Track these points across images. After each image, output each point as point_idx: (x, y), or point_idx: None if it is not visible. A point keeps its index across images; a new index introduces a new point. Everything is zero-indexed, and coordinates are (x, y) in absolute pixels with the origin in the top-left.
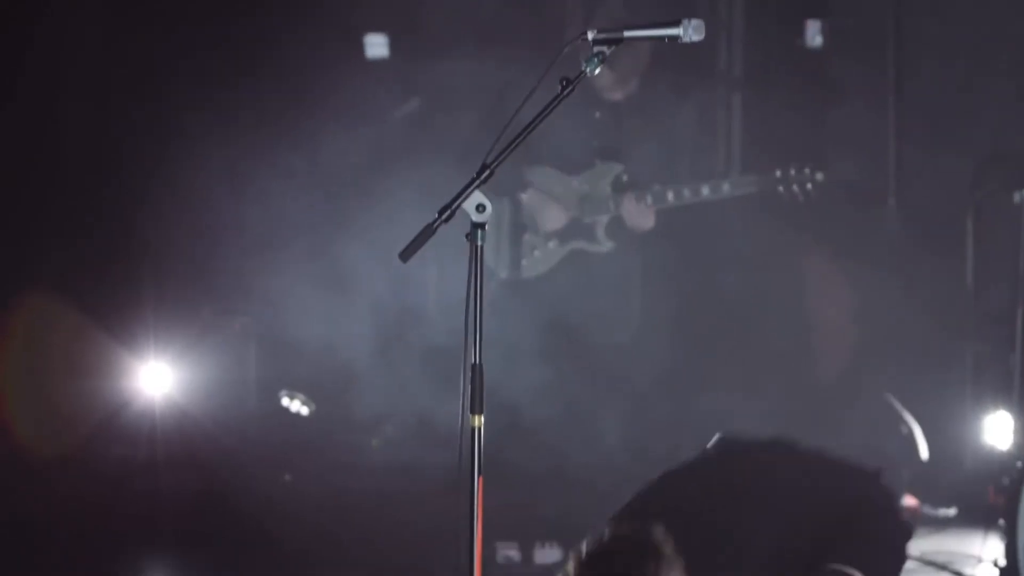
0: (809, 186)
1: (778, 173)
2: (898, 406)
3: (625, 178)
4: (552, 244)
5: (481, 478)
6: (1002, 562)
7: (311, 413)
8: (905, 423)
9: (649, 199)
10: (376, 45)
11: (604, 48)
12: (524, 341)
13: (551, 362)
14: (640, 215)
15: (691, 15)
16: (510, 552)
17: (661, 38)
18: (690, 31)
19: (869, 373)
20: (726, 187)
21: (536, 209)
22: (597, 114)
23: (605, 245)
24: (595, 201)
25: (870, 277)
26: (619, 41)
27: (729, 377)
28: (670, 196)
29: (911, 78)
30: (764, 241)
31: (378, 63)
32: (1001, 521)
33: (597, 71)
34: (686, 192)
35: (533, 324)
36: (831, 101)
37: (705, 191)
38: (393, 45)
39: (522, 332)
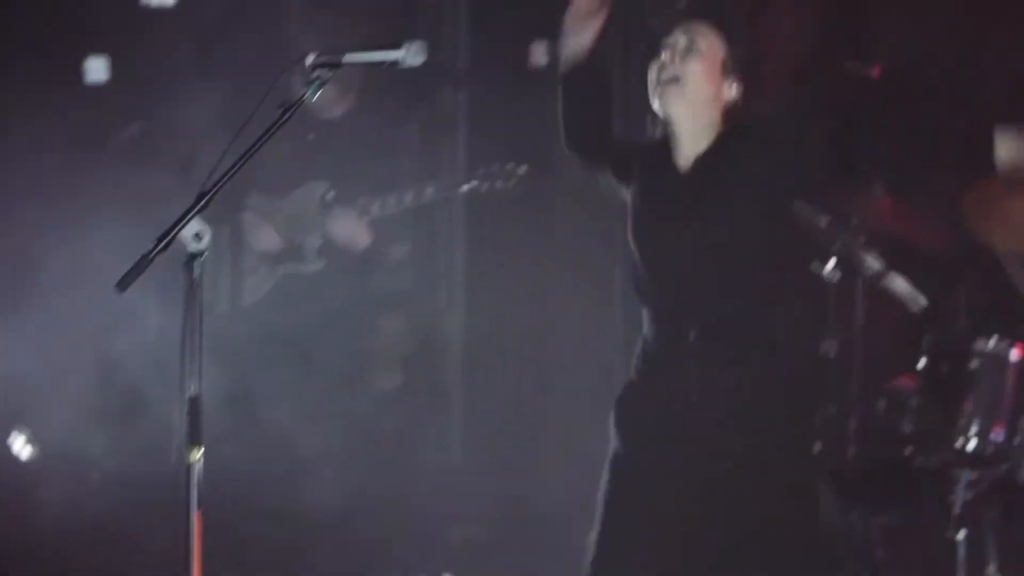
0: (512, 181)
1: (480, 171)
2: None
3: (330, 195)
4: (264, 269)
5: (199, 512)
6: None
7: (34, 452)
8: None
9: (356, 213)
10: (95, 70)
11: (323, 72)
12: (247, 370)
13: (271, 395)
14: (352, 231)
15: (413, 35)
16: None
17: (381, 63)
18: (411, 55)
19: None
20: (430, 191)
21: (252, 232)
22: (311, 135)
23: (315, 265)
24: (303, 222)
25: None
26: (338, 66)
27: (444, 395)
28: (375, 208)
29: None
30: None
31: (98, 88)
32: None
33: (316, 97)
34: (391, 201)
35: (250, 352)
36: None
37: (408, 198)
38: (114, 69)
39: (243, 361)
